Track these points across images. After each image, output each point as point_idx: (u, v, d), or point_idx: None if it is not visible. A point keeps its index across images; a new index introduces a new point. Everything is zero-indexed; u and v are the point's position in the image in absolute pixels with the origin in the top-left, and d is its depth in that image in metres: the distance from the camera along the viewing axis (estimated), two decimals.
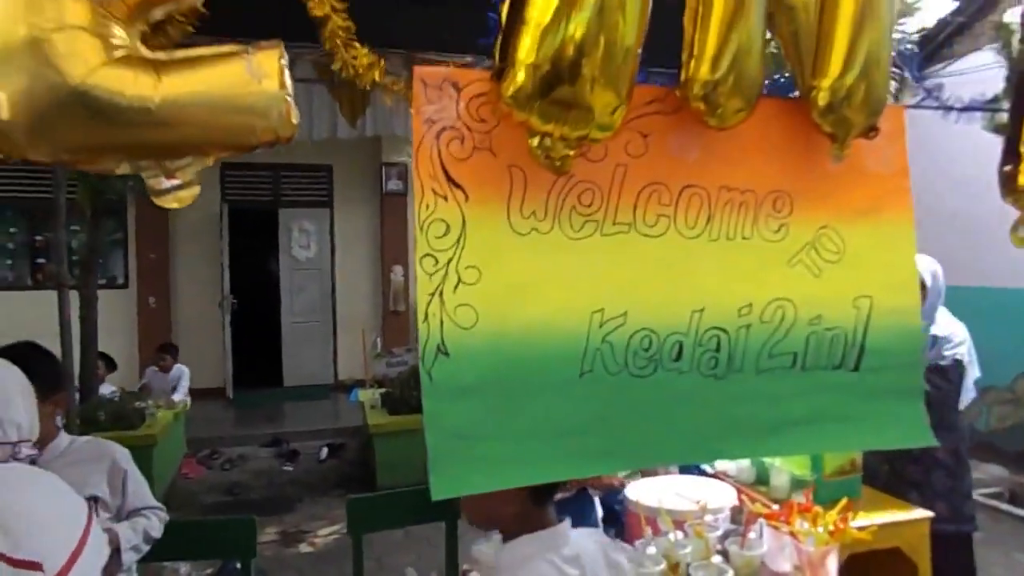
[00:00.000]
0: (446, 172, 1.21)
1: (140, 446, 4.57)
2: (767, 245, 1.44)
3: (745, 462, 2.65)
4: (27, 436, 1.24)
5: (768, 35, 1.37)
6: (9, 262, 8.73)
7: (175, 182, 1.03)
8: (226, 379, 8.71)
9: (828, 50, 1.34)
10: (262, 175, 9.25)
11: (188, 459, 6.56)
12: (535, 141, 1.15)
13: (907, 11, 8.66)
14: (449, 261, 1.21)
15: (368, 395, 6.39)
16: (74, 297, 5.82)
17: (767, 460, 2.60)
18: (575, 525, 2.14)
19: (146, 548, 2.18)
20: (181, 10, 1.03)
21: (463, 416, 1.22)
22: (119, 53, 0.96)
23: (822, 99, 1.35)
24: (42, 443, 1.85)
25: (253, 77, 1.03)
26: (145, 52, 1.00)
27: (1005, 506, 5.07)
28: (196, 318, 8.85)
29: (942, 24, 7.80)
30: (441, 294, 1.21)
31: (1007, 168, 1.52)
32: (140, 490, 2.33)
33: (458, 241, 1.22)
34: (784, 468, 2.54)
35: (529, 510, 1.32)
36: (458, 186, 1.22)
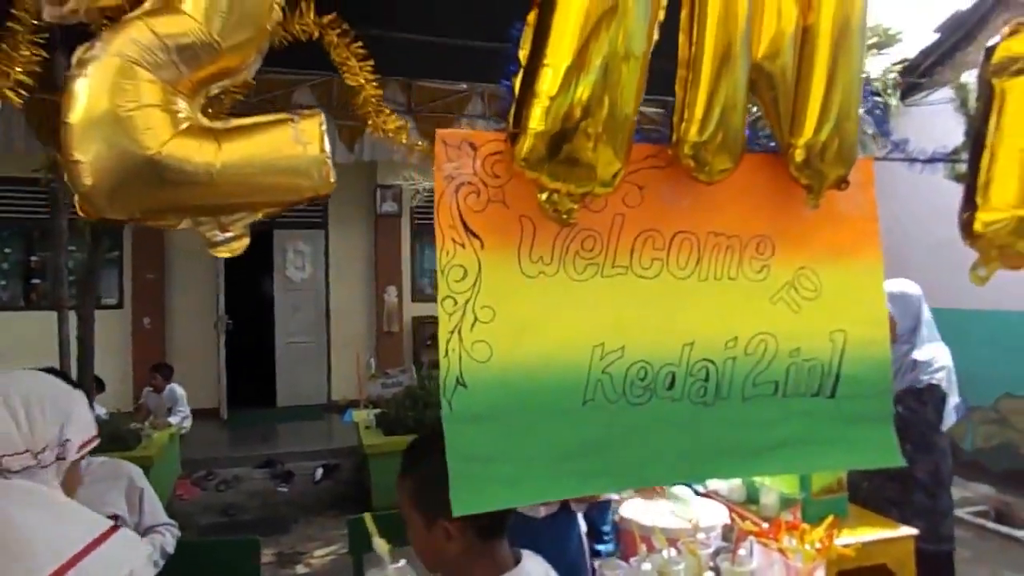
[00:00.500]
0: (464, 223, 1.35)
1: None
2: (751, 284, 1.59)
3: (736, 481, 2.74)
4: (13, 449, 1.22)
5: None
6: (3, 282, 8.78)
7: (229, 235, 1.17)
8: (220, 400, 8.77)
9: (803, 111, 1.50)
10: None
11: (182, 480, 6.60)
12: (544, 196, 1.30)
13: (889, 41, 8.97)
14: (467, 302, 1.35)
15: (363, 415, 6.45)
16: (70, 318, 5.91)
17: (757, 480, 2.69)
18: (559, 541, 2.26)
19: (162, 564, 2.29)
20: (235, 84, 1.17)
21: (479, 440, 1.35)
22: (185, 125, 1.10)
23: (799, 155, 1.51)
24: None
25: (298, 142, 1.17)
26: (206, 122, 1.14)
27: (991, 524, 5.16)
28: (191, 339, 8.92)
29: (924, 53, 8.08)
30: (460, 332, 1.34)
31: (965, 215, 1.68)
32: (155, 508, 2.44)
33: (475, 284, 1.36)
34: (773, 487, 2.65)
35: (475, 545, 1.31)
36: (475, 235, 1.36)
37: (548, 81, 1.22)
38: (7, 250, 8.80)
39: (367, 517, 1.77)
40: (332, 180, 1.21)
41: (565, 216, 1.30)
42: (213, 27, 1.09)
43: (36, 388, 1.29)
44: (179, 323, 9.04)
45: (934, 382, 2.75)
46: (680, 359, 1.53)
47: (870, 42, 8.98)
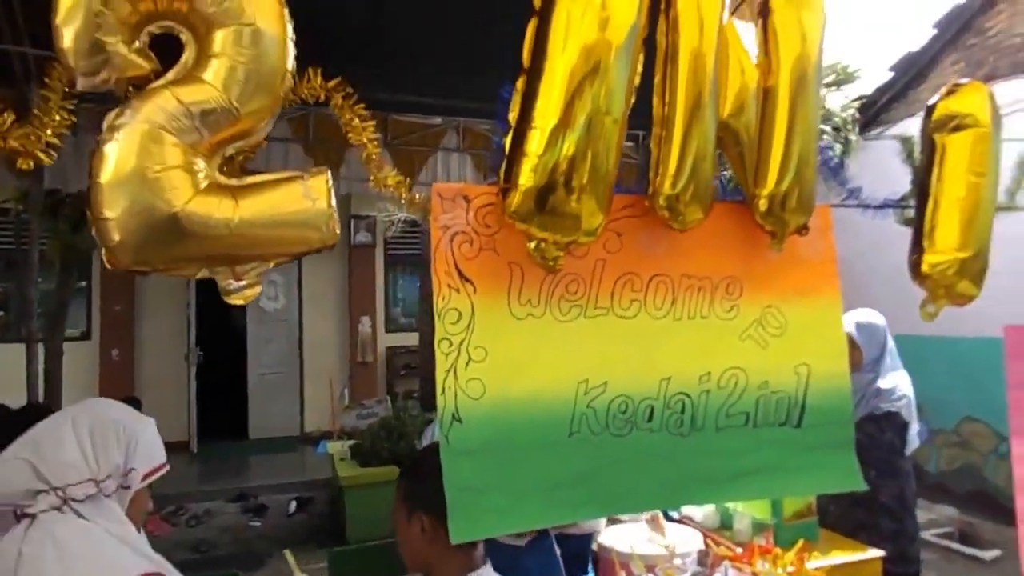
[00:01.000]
0: (458, 269, 1.46)
1: None
2: (722, 323, 1.72)
3: (709, 508, 2.83)
4: (77, 477, 1.26)
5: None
6: None
7: (242, 283, 1.26)
8: (190, 433, 8.65)
9: (766, 165, 1.64)
10: None
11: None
12: (532, 245, 1.41)
13: (848, 79, 9.36)
14: (462, 343, 1.45)
15: (337, 447, 6.42)
16: (38, 350, 5.84)
17: (730, 505, 2.78)
18: (540, 564, 2.33)
19: None
20: (248, 145, 1.27)
21: (474, 472, 1.44)
22: (204, 183, 1.19)
23: (763, 205, 1.65)
24: None
25: (307, 197, 1.27)
26: (223, 179, 1.23)
27: (956, 545, 5.27)
28: (160, 371, 8.79)
29: (880, 91, 8.48)
30: (455, 371, 1.44)
31: (914, 257, 1.84)
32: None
33: (468, 326, 1.46)
34: (746, 513, 2.73)
35: (447, 543, 1.39)
36: (468, 280, 1.47)
37: (536, 142, 1.33)
38: None
39: (287, 553, 1.85)
40: (337, 232, 1.31)
41: (552, 263, 1.42)
42: (232, 94, 1.19)
43: (103, 415, 1.34)
44: (148, 355, 8.91)
45: (893, 410, 2.85)
46: (658, 393, 1.64)
47: (829, 79, 9.40)
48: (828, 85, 9.12)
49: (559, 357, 1.55)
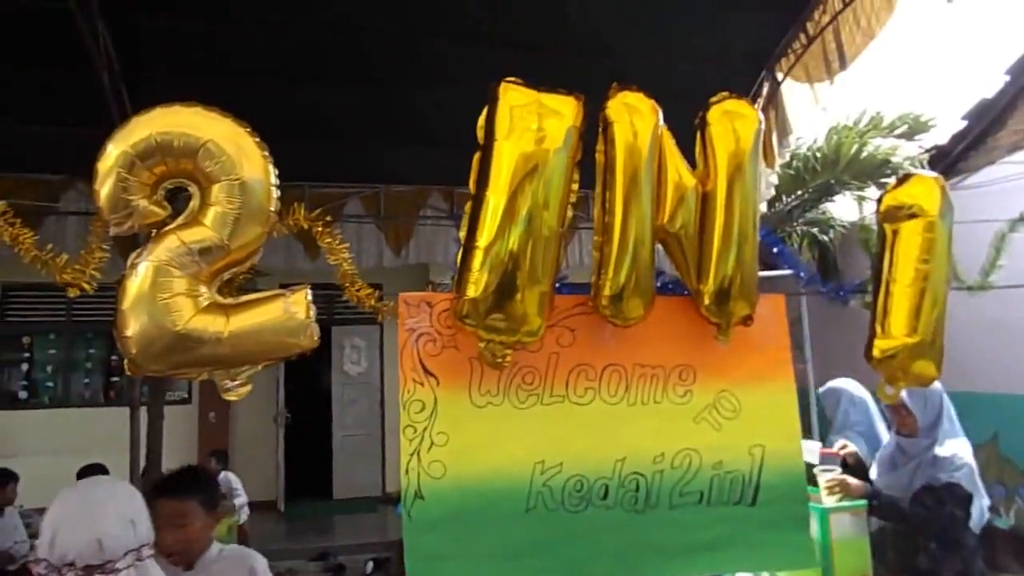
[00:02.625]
0: (423, 365, 1.70)
1: None
2: (675, 407, 1.86)
3: None
4: (124, 549, 1.41)
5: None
6: (87, 380, 9.55)
7: (236, 383, 1.54)
8: (278, 492, 9.12)
9: (707, 262, 1.80)
10: (316, 296, 9.78)
11: None
12: (482, 345, 1.63)
13: (920, 128, 9.17)
14: (425, 429, 1.68)
15: None
16: (142, 414, 6.45)
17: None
18: None
19: None
20: (242, 270, 1.57)
21: (435, 544, 1.64)
22: (204, 304, 1.49)
23: (707, 299, 1.81)
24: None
25: (287, 312, 1.55)
26: (219, 299, 1.53)
27: None
28: (252, 432, 9.36)
29: (956, 139, 8.25)
30: (419, 454, 1.67)
31: (868, 342, 1.93)
32: None
33: (431, 415, 1.69)
34: None
35: None
36: (432, 375, 1.70)
37: (477, 259, 1.57)
38: (91, 350, 9.60)
39: None
40: (316, 338, 1.58)
41: (500, 360, 1.63)
42: (224, 234, 1.49)
43: (134, 497, 1.53)
44: (242, 417, 9.52)
45: (954, 481, 2.70)
46: (613, 473, 1.80)
47: (901, 130, 9.25)
48: (900, 136, 8.95)
49: (516, 440, 1.74)
